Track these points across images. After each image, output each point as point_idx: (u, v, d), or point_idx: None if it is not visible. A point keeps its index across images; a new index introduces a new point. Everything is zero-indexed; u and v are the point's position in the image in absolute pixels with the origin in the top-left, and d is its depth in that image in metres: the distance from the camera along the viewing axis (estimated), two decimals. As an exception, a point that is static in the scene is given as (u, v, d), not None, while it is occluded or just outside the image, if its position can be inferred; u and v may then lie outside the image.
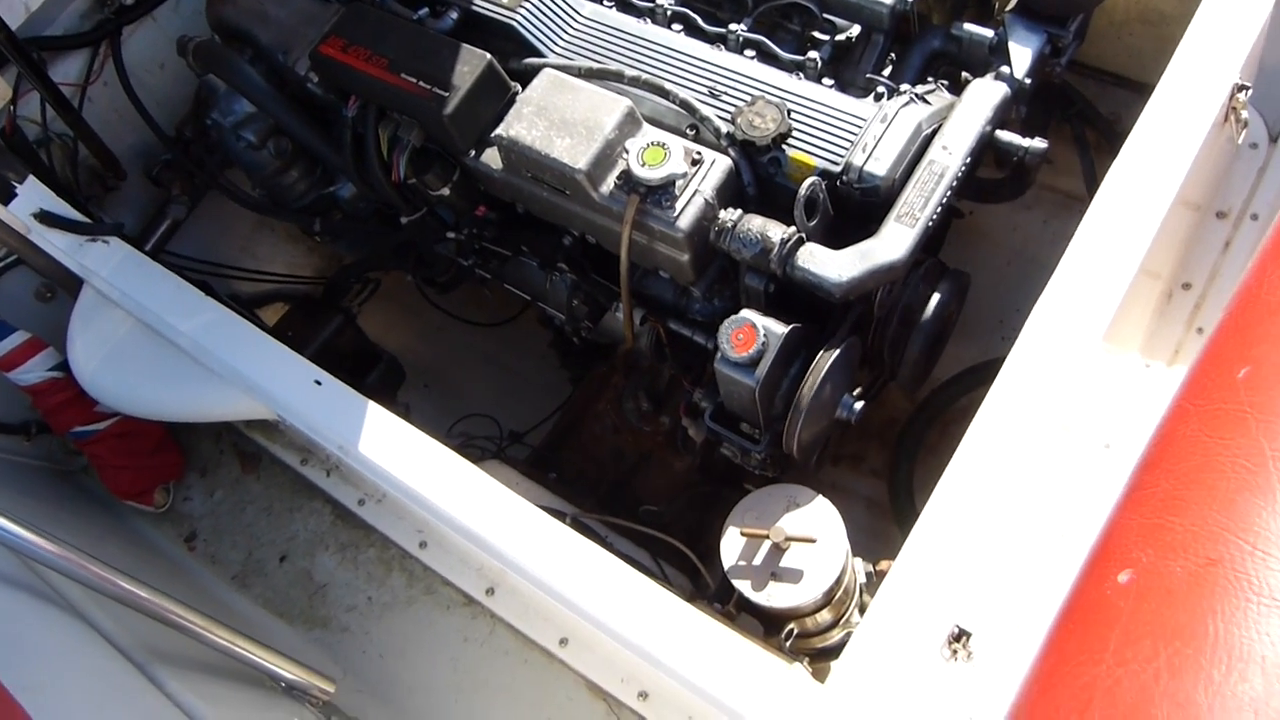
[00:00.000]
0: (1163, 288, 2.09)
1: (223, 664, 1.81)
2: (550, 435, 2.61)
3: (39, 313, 2.34)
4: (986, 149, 1.81)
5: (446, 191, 2.00)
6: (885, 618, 1.53)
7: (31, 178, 2.12)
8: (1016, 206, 2.67)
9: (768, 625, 1.87)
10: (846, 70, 1.94)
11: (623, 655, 1.73)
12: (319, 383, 1.93)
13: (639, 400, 2.40)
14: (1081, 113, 2.32)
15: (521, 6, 2.01)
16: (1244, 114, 1.90)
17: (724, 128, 1.82)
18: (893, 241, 1.69)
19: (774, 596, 1.71)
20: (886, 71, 1.93)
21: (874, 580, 1.90)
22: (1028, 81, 1.83)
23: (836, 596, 1.79)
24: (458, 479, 1.81)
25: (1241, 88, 1.85)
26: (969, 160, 1.75)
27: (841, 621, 1.86)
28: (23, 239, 2.11)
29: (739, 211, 1.75)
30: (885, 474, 2.69)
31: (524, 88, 1.94)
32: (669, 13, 2.03)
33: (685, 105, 1.86)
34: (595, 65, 1.95)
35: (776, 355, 1.67)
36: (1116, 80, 2.39)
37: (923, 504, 2.62)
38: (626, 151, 1.74)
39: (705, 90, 1.89)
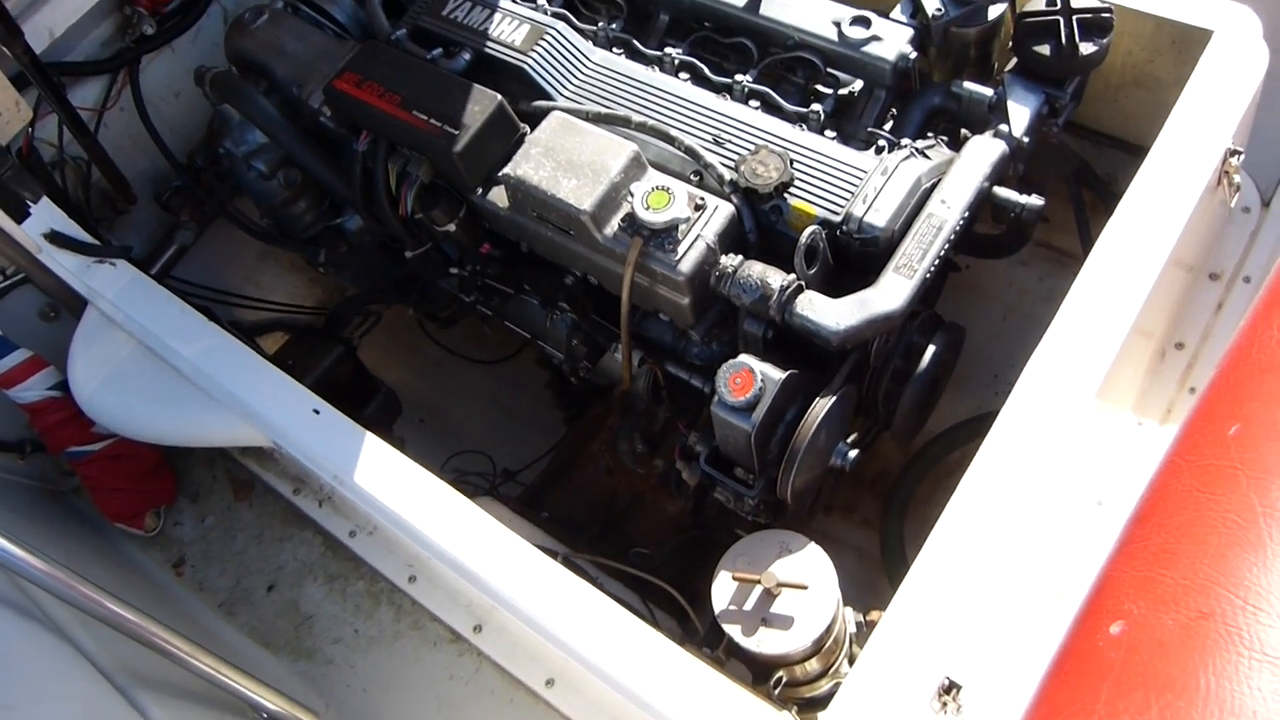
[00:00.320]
0: (1156, 347, 2.12)
1: (205, 691, 1.79)
2: (544, 474, 2.62)
3: (41, 332, 2.35)
4: (984, 204, 1.84)
5: (453, 227, 2.03)
6: (875, 668, 1.52)
7: (45, 199, 2.15)
8: (1012, 262, 2.70)
9: (756, 672, 1.86)
10: (848, 123, 1.98)
11: (610, 697, 1.72)
12: (317, 412, 1.94)
13: (633, 442, 2.41)
14: (1078, 173, 2.36)
15: (533, 50, 2.06)
16: (1236, 178, 1.94)
17: (727, 175, 1.85)
18: (890, 292, 1.71)
19: (764, 642, 1.71)
20: (887, 126, 1.97)
21: (864, 630, 1.90)
22: (1026, 140, 1.87)
23: (826, 645, 1.78)
24: (452, 512, 1.82)
25: (1234, 152, 1.90)
26: (967, 214, 1.78)
27: (830, 671, 1.85)
28: (32, 258, 2.14)
29: (740, 257, 1.78)
30: (877, 525, 2.69)
31: (532, 129, 1.98)
32: (676, 62, 2.08)
33: (690, 152, 1.89)
34: (603, 110, 1.99)
35: (773, 400, 1.68)
36: (1112, 142, 2.44)
37: (914, 557, 2.63)
38: (631, 195, 1.77)
39: (710, 138, 1.93)
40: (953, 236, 1.76)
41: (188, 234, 2.56)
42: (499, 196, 1.99)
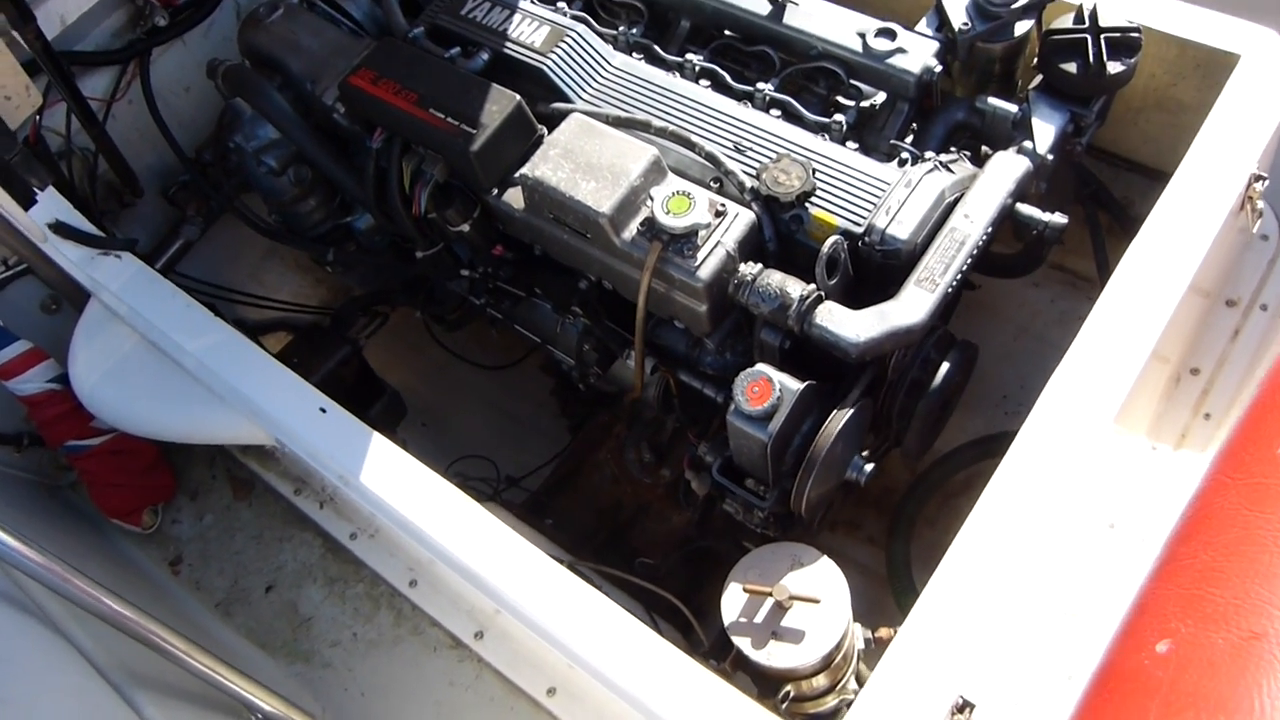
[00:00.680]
0: (1171, 372, 2.10)
1: (201, 691, 1.75)
2: (548, 482, 2.59)
3: (42, 324, 2.32)
4: (1006, 221, 1.83)
5: (466, 228, 2.01)
6: (888, 685, 1.49)
7: (51, 188, 2.12)
8: (1026, 283, 2.69)
9: (762, 686, 1.82)
10: (870, 135, 1.97)
11: (613, 707, 1.69)
12: (324, 410, 1.91)
13: (641, 451, 2.38)
14: (1095, 195, 2.35)
15: (553, 52, 2.04)
16: (1260, 204, 1.93)
17: (748, 182, 1.83)
18: (912, 305, 1.69)
19: (774, 656, 1.68)
20: (909, 139, 1.96)
21: (872, 647, 1.87)
22: (1050, 157, 1.86)
23: (835, 661, 1.75)
24: (459, 515, 1.79)
25: (1259, 178, 1.88)
26: (990, 230, 1.76)
27: (837, 688, 1.82)
28: (35, 248, 2.10)
29: (759, 266, 1.76)
30: (882, 542, 2.66)
31: (550, 131, 1.96)
32: (697, 68, 2.06)
33: (711, 158, 1.87)
34: (623, 114, 1.97)
35: (791, 411, 1.66)
36: (1130, 165, 2.43)
37: (919, 575, 2.60)
38: (651, 199, 1.75)
39: (731, 145, 1.91)
40: (975, 251, 1.74)
41: (194, 229, 2.53)
42: (515, 198, 1.97)
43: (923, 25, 1.95)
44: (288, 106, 2.17)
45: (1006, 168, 1.81)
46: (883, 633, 1.93)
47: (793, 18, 2.01)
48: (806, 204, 1.81)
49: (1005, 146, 1.90)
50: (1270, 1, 2.09)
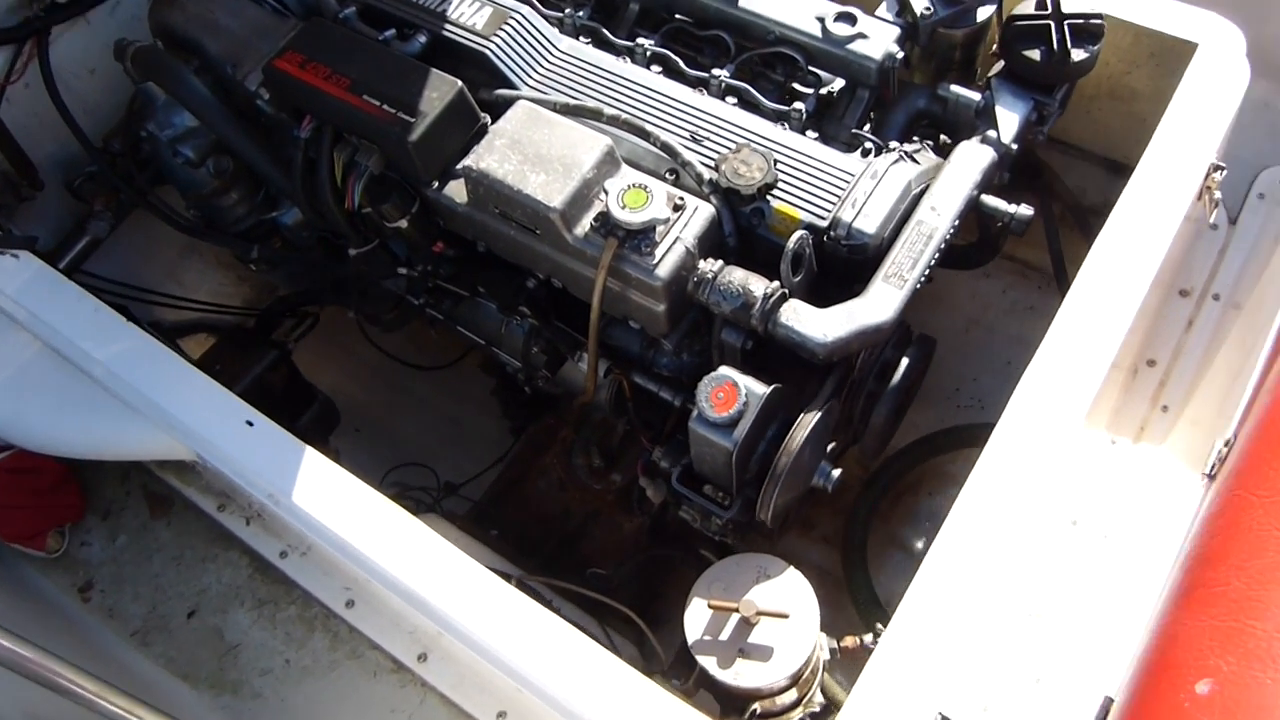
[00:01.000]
0: (1128, 364, 2.08)
1: (117, 735, 1.60)
2: (492, 489, 2.46)
3: (-72, 331, 2.10)
4: (969, 212, 1.77)
5: (404, 224, 1.87)
6: (866, 705, 1.43)
7: (-64, 181, 1.92)
8: (977, 274, 2.65)
9: (726, 705, 1.74)
10: (829, 124, 1.89)
11: (568, 732, 1.59)
12: (251, 424, 1.77)
13: (590, 456, 2.28)
14: (1048, 184, 2.32)
15: (496, 35, 1.91)
16: (1217, 194, 1.91)
17: (706, 174, 1.74)
18: (880, 302, 1.62)
19: (742, 675, 1.60)
20: (867, 128, 1.88)
21: (837, 657, 1.81)
22: (1014, 147, 1.80)
23: (803, 676, 1.68)
24: (397, 532, 1.68)
25: (1217, 168, 1.86)
26: (957, 222, 1.70)
27: (804, 701, 1.75)
28: (-82, 247, 1.91)
29: (719, 263, 1.66)
30: (836, 541, 2.60)
31: (494, 120, 1.84)
32: (648, 53, 1.96)
33: (666, 148, 1.77)
34: (571, 101, 1.86)
35: (756, 417, 1.57)
36: (1082, 154, 2.40)
37: (875, 574, 2.54)
38: (606, 192, 1.64)
39: (687, 135, 1.81)
40: (943, 245, 1.68)
41: (102, 225, 2.33)
42: (456, 191, 1.84)
43: (883, 10, 1.87)
44: (206, 91, 2.00)
45: (972, 157, 1.75)
46: (848, 642, 1.87)
47: (748, 1, 1.91)
48: (768, 196, 1.72)
49: (967, 135, 1.84)
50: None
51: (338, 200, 1.92)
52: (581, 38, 2.01)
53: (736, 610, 1.61)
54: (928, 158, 1.78)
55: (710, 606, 1.62)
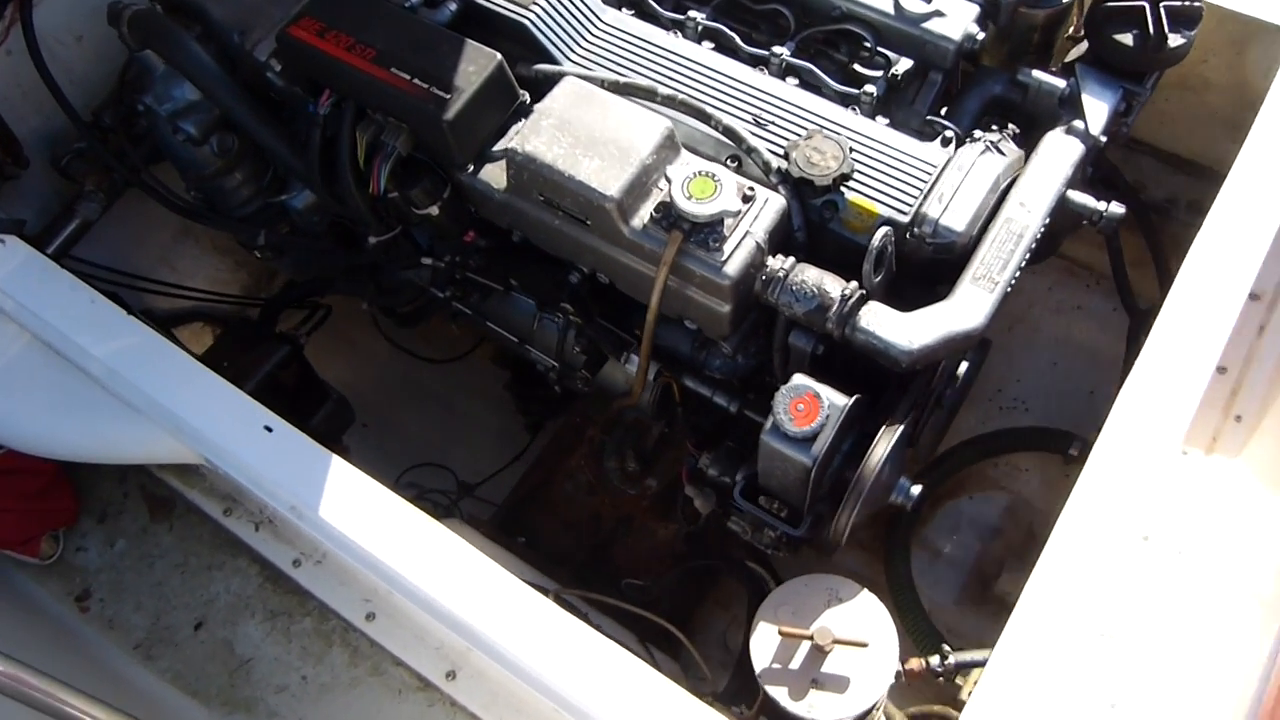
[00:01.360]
0: (1200, 371, 1.98)
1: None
2: (516, 493, 2.31)
3: (-94, 323, 1.92)
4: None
5: (436, 211, 1.71)
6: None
7: (-89, 157, 1.73)
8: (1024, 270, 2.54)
9: (787, 735, 1.62)
10: (898, 109, 1.74)
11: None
12: (269, 429, 1.61)
13: (624, 460, 2.13)
14: (1106, 178, 2.19)
15: (535, 3, 1.75)
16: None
17: (775, 162, 1.59)
18: (970, 307, 1.49)
19: (816, 708, 1.47)
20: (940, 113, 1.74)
21: (901, 681, 1.69)
22: (1103, 139, 1.67)
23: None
24: (425, 542, 1.55)
25: None
26: (1047, 221, 1.56)
27: (869, 728, 1.63)
28: (-107, 231, 1.72)
29: (791, 259, 1.52)
30: (875, 548, 2.49)
31: (533, 97, 1.68)
32: (700, 28, 1.80)
33: (729, 133, 1.62)
34: (621, 79, 1.70)
35: (837, 431, 1.44)
36: (1140, 146, 2.28)
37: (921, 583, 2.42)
38: (668, 180, 1.49)
39: (749, 118, 1.66)
40: (1033, 245, 1.54)
41: (93, 206, 2.14)
42: (493, 175, 1.68)
43: (960, -15, 1.72)
44: (211, 62, 1.82)
45: (1062, 150, 1.61)
46: (913, 664, 1.76)
47: (813, -28, 1.76)
48: (842, 188, 1.57)
49: (1047, 125, 1.70)
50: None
51: (359, 184, 1.76)
52: (625, 9, 1.85)
53: (810, 638, 1.48)
54: (1010, 149, 1.64)
55: (782, 634, 1.49)
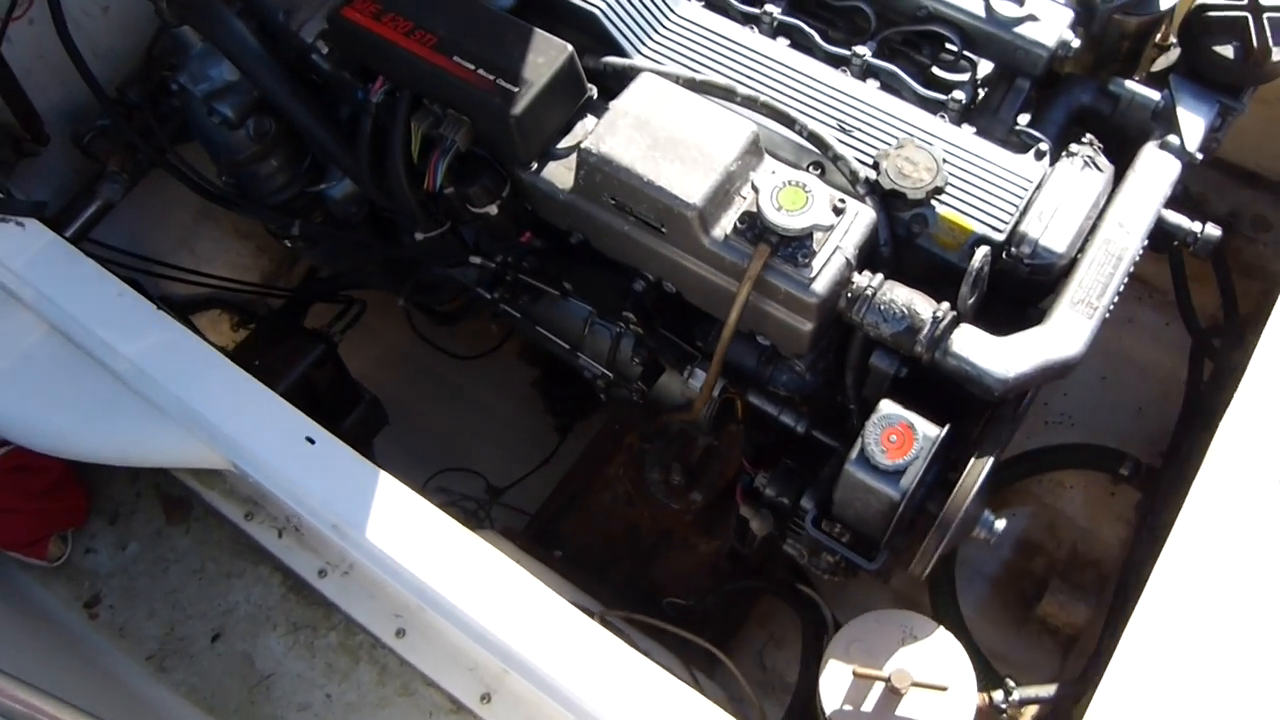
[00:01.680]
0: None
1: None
2: (551, 502, 2.22)
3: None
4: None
5: (494, 210, 1.61)
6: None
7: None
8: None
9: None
10: (981, 117, 1.66)
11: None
12: (312, 440, 1.51)
13: (669, 472, 2.05)
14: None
15: (603, -7, 1.65)
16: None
17: (862, 172, 1.50)
18: (1068, 334, 1.41)
19: (893, 755, 1.40)
20: (1024, 121, 1.66)
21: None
22: (1200, 156, 1.59)
23: (946, 747, 1.49)
24: (462, 557, 1.48)
25: None
26: (1145, 242, 1.48)
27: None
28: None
29: (879, 277, 1.43)
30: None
31: (601, 93, 1.58)
32: (775, 23, 1.70)
33: (815, 139, 1.53)
34: (697, 76, 1.60)
35: (928, 463, 1.36)
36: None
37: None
38: (755, 189, 1.39)
39: (834, 123, 1.56)
40: (1132, 269, 1.46)
41: (115, 188, 2.02)
42: (558, 175, 1.58)
43: (1051, -11, 1.64)
44: (254, 41, 1.70)
45: (1160, 166, 1.53)
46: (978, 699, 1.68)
47: (898, -31, 1.67)
48: (933, 202, 1.49)
49: (1138, 139, 1.62)
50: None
51: (412, 178, 1.65)
52: (697, 1, 1.75)
53: (886, 680, 1.40)
54: (1104, 164, 1.56)
55: (856, 675, 1.41)
